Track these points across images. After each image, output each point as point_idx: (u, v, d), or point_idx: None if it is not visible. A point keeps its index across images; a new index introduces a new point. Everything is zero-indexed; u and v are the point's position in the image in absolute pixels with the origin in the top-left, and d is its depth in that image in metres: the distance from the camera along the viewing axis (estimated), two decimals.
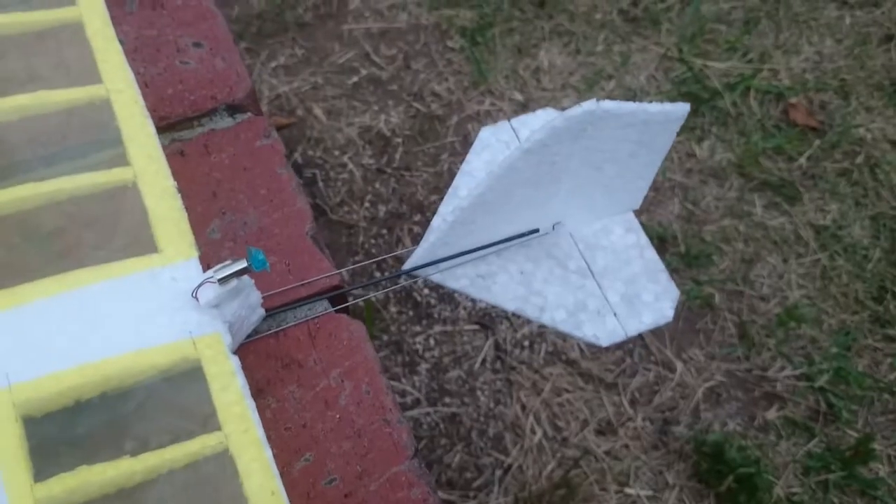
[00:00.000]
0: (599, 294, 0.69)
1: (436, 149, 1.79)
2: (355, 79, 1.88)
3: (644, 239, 0.76)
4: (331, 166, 1.74)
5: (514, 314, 0.79)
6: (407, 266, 0.69)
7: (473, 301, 1.56)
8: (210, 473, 0.55)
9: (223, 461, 0.55)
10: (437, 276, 0.69)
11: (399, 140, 1.79)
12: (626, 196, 0.74)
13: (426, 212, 1.69)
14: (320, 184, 1.70)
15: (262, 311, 0.64)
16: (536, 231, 0.71)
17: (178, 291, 0.60)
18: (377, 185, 1.73)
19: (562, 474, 1.44)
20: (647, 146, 0.67)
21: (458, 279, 0.69)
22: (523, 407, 1.50)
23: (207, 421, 0.57)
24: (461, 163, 1.71)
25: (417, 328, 1.57)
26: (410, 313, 1.59)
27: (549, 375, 1.53)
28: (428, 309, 1.59)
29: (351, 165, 1.74)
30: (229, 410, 0.57)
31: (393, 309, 1.59)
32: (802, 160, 1.84)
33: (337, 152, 1.76)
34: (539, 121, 0.79)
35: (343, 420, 0.61)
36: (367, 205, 1.70)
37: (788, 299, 1.65)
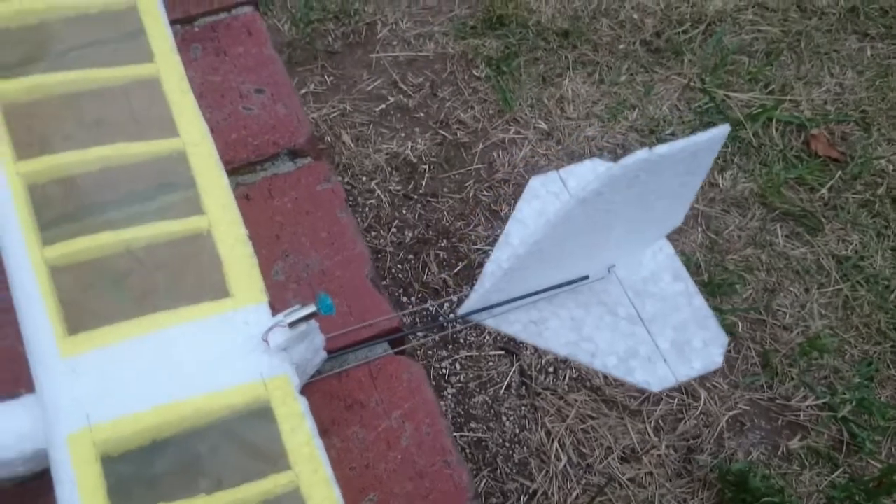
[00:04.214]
0: (650, 340, 0.71)
1: (461, 175, 1.81)
2: (383, 106, 1.91)
3: (692, 286, 0.78)
4: (359, 192, 1.76)
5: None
6: (462, 311, 0.71)
7: None
8: None
9: (294, 501, 0.58)
10: (490, 321, 0.72)
11: (425, 167, 1.81)
12: (669, 219, 0.75)
13: (452, 238, 1.71)
14: (348, 209, 1.73)
15: (324, 354, 0.67)
16: (586, 278, 0.74)
17: (250, 335, 0.62)
18: (404, 211, 1.75)
19: (587, 501, 1.45)
20: (693, 171, 0.69)
21: (512, 324, 0.71)
22: (548, 433, 1.52)
23: (278, 461, 0.59)
24: (486, 189, 1.74)
25: (443, 353, 1.59)
26: (437, 338, 1.61)
27: (573, 402, 1.55)
28: (454, 334, 1.61)
29: (378, 191, 1.76)
30: (299, 451, 0.59)
31: (419, 334, 1.61)
32: (824, 191, 1.86)
33: (365, 178, 1.78)
34: (586, 169, 0.82)
35: (405, 461, 0.64)
36: (393, 230, 1.72)
37: (811, 329, 1.67)
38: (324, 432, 0.65)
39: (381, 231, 1.72)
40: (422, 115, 1.90)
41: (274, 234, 0.73)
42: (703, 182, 0.72)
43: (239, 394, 0.60)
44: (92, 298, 0.64)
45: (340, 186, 0.76)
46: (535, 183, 0.80)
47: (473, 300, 0.71)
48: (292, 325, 0.61)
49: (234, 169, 0.76)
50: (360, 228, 1.68)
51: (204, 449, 0.60)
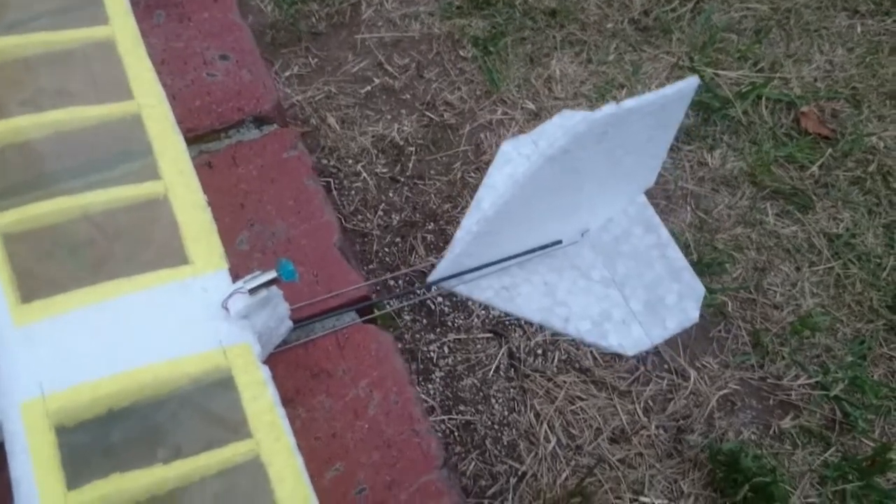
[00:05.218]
0: (623, 303, 0.70)
1: (448, 157, 1.79)
2: (368, 88, 1.89)
3: (665, 236, 0.76)
4: (345, 175, 1.74)
5: (528, 323, 0.78)
6: (431, 278, 0.70)
7: (487, 309, 1.56)
8: (242, 481, 0.56)
9: (255, 469, 0.56)
10: (461, 287, 0.70)
11: (412, 149, 1.80)
12: (641, 177, 0.74)
13: (439, 220, 1.69)
14: (334, 192, 1.71)
15: (289, 323, 0.65)
16: (560, 242, 0.72)
17: (209, 302, 0.61)
18: (391, 194, 1.73)
19: (576, 482, 1.44)
20: (663, 126, 0.68)
21: (483, 291, 0.69)
22: (537, 415, 1.50)
23: (239, 429, 0.57)
24: (474, 171, 1.72)
25: (431, 336, 1.57)
26: (424, 321, 1.59)
27: (562, 383, 1.53)
28: (442, 317, 1.59)
29: (365, 174, 1.74)
30: (260, 419, 0.57)
31: (407, 317, 1.59)
32: (814, 168, 1.84)
33: (351, 161, 1.76)
34: (555, 126, 0.80)
35: (372, 430, 0.62)
36: (380, 213, 1.70)
37: (802, 307, 1.65)
38: (289, 402, 0.64)
39: (368, 214, 1.70)
40: (408, 96, 1.88)
41: (238, 203, 0.71)
42: (674, 137, 0.70)
43: (198, 362, 0.59)
44: (47, 266, 0.62)
45: (307, 154, 0.74)
46: (507, 147, 0.78)
47: (443, 267, 0.69)
48: (252, 291, 0.60)
49: (197, 136, 0.74)
50: (347, 212, 1.66)
51: (162, 418, 0.58)
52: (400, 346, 1.54)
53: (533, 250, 0.71)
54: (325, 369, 0.65)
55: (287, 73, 1.88)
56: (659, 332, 0.69)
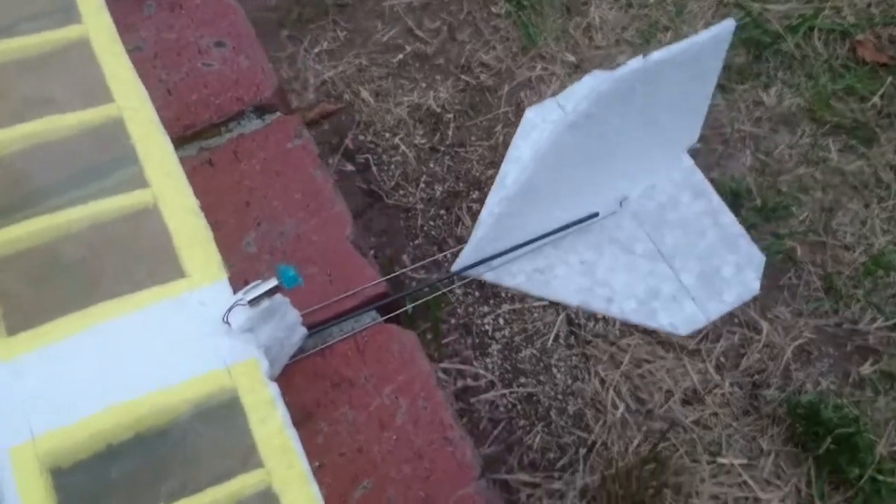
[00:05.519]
0: (673, 277, 0.63)
1: (489, 121, 1.73)
2: (400, 56, 1.83)
3: (716, 201, 0.69)
4: (383, 149, 1.69)
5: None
6: (455, 267, 0.64)
7: None
8: None
9: (267, 501, 0.51)
10: (489, 274, 0.64)
11: (450, 116, 1.74)
12: (681, 136, 0.67)
13: (484, 188, 1.63)
14: (374, 168, 1.66)
15: (303, 330, 0.60)
16: (596, 215, 0.65)
17: (209, 317, 0.55)
18: (431, 165, 1.68)
19: (649, 448, 1.38)
20: (700, 76, 0.61)
21: (514, 276, 0.64)
22: (602, 381, 1.45)
23: (248, 457, 0.52)
24: (516, 133, 1.65)
25: (485, 308, 1.52)
26: (476, 294, 1.53)
27: (626, 347, 1.47)
28: (494, 288, 1.54)
29: (403, 147, 1.69)
30: (270, 443, 0.52)
31: (458, 291, 1.54)
32: (875, 99, 1.75)
33: (388, 134, 1.71)
34: (586, 88, 0.73)
35: (401, 441, 0.56)
36: (422, 185, 1.65)
37: (874, 246, 1.57)
38: (308, 416, 0.58)
39: (410, 188, 1.64)
40: (441, 61, 1.82)
41: (243, 202, 0.66)
42: (714, 87, 0.63)
43: (200, 384, 0.53)
44: (34, 291, 0.57)
45: (312, 141, 0.68)
46: (531, 114, 0.72)
47: (467, 254, 0.63)
48: (253, 302, 0.54)
49: (195, 133, 0.69)
50: (388, 187, 1.61)
51: (166, 450, 0.53)
52: (454, 321, 1.49)
53: (566, 226, 0.65)
54: (346, 377, 0.59)
55: (317, 50, 1.82)
56: (715, 306, 0.62)
